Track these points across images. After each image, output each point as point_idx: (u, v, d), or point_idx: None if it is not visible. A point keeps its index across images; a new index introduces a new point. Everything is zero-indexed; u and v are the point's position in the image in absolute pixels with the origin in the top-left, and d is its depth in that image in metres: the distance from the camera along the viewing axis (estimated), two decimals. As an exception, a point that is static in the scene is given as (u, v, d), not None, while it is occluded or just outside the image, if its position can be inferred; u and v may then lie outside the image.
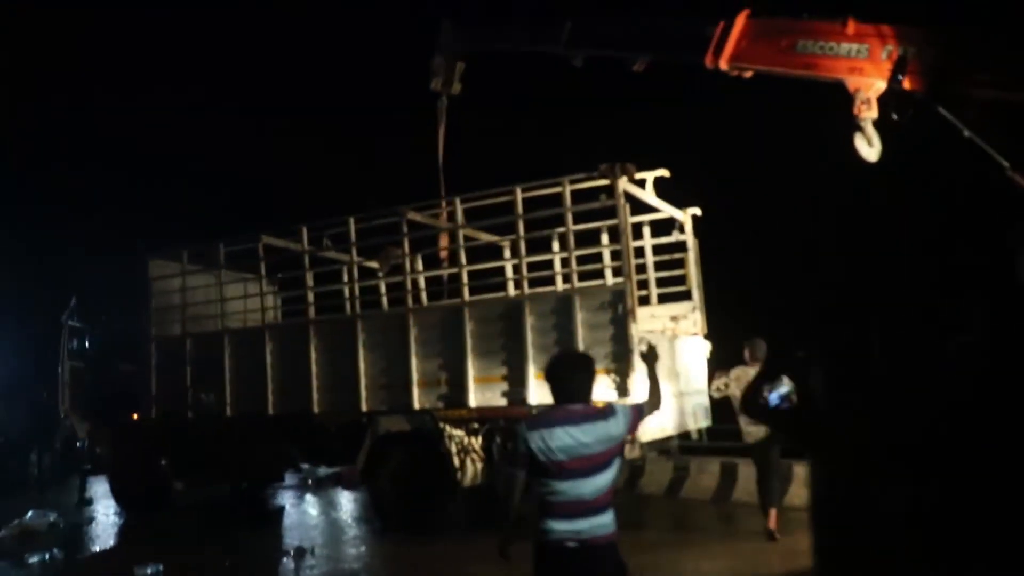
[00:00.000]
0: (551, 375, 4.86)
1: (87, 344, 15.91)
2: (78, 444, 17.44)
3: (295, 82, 33.60)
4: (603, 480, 4.48)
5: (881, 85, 8.50)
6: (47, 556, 10.52)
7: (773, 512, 9.61)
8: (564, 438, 4.47)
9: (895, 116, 8.39)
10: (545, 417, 4.68)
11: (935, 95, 8.26)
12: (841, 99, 8.80)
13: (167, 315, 13.82)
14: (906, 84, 8.23)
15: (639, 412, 4.83)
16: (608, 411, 4.63)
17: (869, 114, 8.68)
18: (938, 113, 8.18)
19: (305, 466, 14.43)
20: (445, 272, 11.93)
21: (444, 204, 11.93)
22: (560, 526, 4.43)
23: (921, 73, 8.23)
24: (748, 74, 9.54)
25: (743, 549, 9.45)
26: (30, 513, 12.62)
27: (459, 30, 11.57)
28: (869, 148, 8.79)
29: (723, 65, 9.36)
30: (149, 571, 9.13)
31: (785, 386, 4.39)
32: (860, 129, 8.78)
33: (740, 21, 9.24)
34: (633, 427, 4.74)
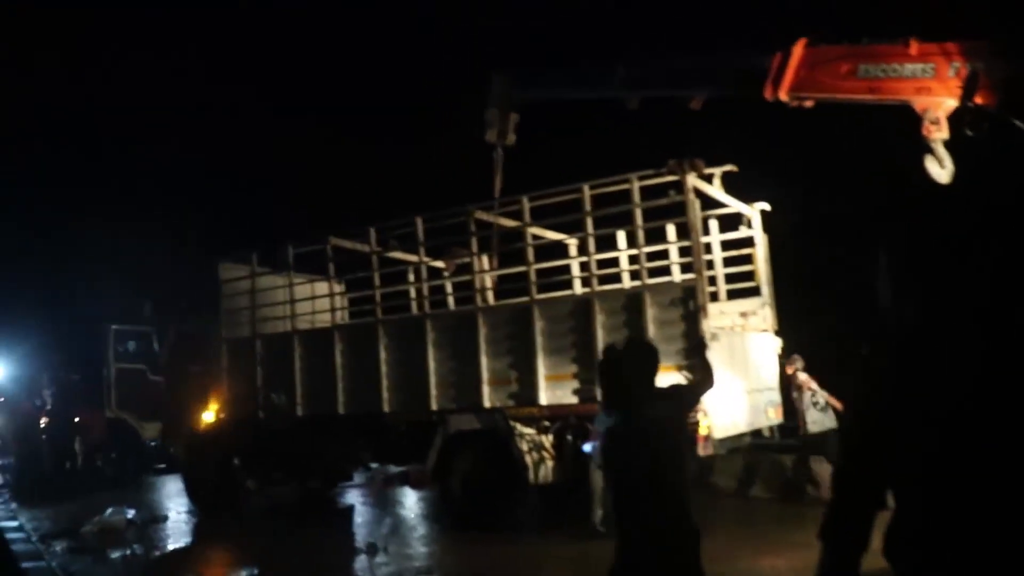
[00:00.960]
0: (611, 369, 5.19)
1: (157, 347, 16.24)
2: (152, 443, 17.89)
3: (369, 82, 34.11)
4: None
5: (951, 103, 8.35)
6: (128, 552, 10.78)
7: None
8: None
9: (969, 132, 8.22)
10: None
11: (1009, 108, 8.10)
12: (910, 119, 8.70)
13: (237, 317, 14.03)
14: (978, 99, 8.08)
15: (694, 392, 5.34)
16: (668, 393, 5.08)
17: (939, 135, 8.53)
18: (1014, 125, 8.02)
19: (374, 466, 14.56)
20: (506, 271, 12.02)
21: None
22: None
23: (992, 87, 8.07)
24: (809, 104, 9.46)
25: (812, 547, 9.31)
26: (109, 510, 12.93)
27: (510, 83, 11.58)
28: (940, 170, 8.64)
29: (783, 96, 9.27)
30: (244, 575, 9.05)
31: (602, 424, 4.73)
32: (930, 150, 8.65)
33: (798, 50, 9.15)
34: (689, 407, 5.38)
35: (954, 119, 8.43)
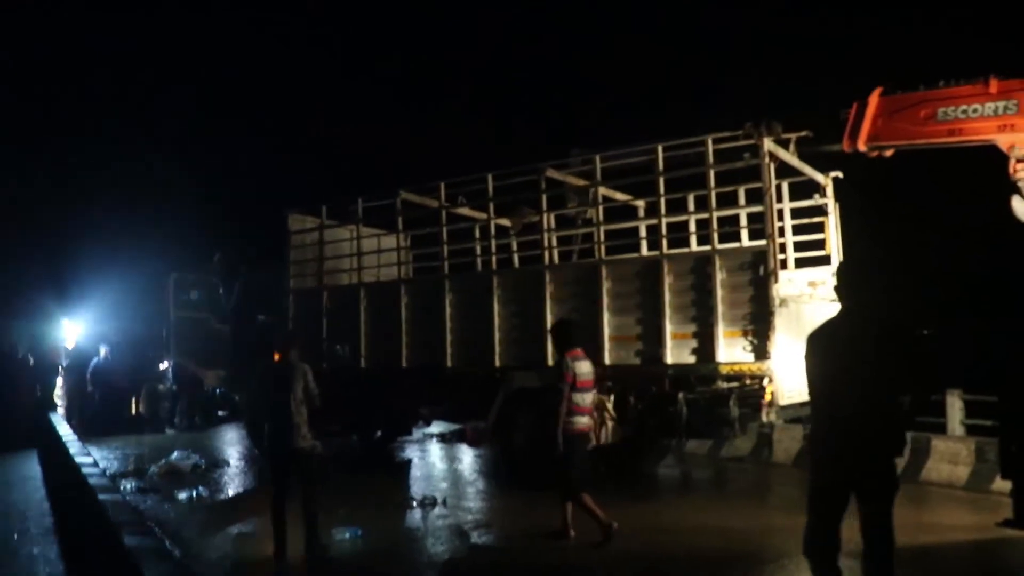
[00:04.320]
0: (570, 331, 8.34)
1: (225, 296, 16.51)
2: (217, 391, 18.24)
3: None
4: (592, 395, 8.25)
5: None
6: (194, 493, 11.04)
7: None
8: (584, 367, 8.03)
9: None
10: (575, 354, 8.06)
11: None
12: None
13: (304, 268, 14.22)
14: None
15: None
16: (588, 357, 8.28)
17: None
18: None
19: (432, 424, 14.77)
20: (575, 232, 12.04)
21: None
22: (580, 418, 8.06)
23: None
24: (889, 153, 9.47)
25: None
26: (175, 453, 13.25)
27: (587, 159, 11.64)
28: None
29: (861, 147, 9.39)
30: (347, 535, 8.71)
31: None
32: (1018, 190, 8.52)
33: (874, 100, 9.21)
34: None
35: None
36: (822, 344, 5.17)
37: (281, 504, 7.87)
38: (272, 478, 8.11)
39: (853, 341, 5.02)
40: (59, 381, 19.81)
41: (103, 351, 18.91)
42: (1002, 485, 7.95)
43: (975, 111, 8.67)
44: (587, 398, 8.12)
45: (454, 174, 12.67)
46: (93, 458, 10.52)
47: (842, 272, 5.25)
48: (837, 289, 5.19)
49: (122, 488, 11.34)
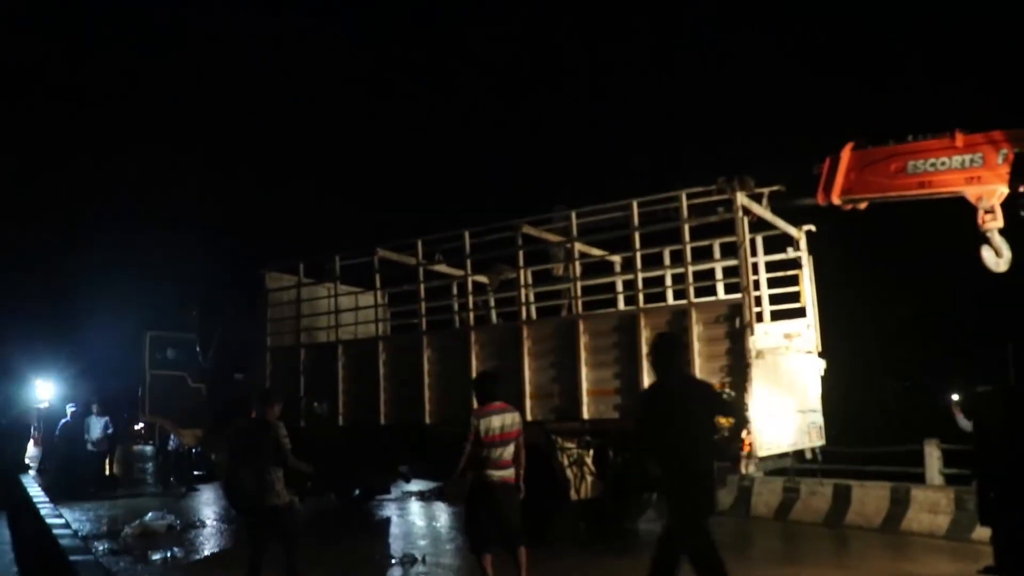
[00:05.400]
0: (484, 386, 8.21)
1: (202, 354, 16.40)
2: (193, 451, 18.04)
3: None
4: (511, 448, 7.80)
5: (1004, 190, 8.64)
6: (168, 555, 10.87)
7: None
8: (495, 422, 7.75)
9: None
10: (485, 410, 7.86)
11: None
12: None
13: (282, 325, 14.17)
14: None
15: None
16: (511, 409, 7.99)
17: (994, 224, 8.76)
18: None
19: (412, 482, 14.64)
20: (557, 287, 12.10)
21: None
22: (493, 472, 7.72)
23: None
24: (863, 206, 9.71)
25: (855, 569, 9.25)
26: (150, 514, 13.06)
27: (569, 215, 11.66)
28: (997, 259, 8.80)
29: (835, 200, 9.64)
30: None
31: None
32: (987, 240, 8.75)
33: (846, 154, 9.48)
34: (520, 431, 7.94)
35: (1008, 205, 8.59)
36: (649, 404, 6.41)
37: (258, 564, 7.75)
38: (248, 537, 8.03)
39: (675, 397, 6.17)
40: (31, 444, 19.55)
41: (70, 411, 18.70)
42: (982, 534, 7.98)
43: (943, 164, 8.91)
44: (498, 451, 7.69)
45: (432, 231, 12.75)
46: (65, 519, 10.35)
47: (655, 348, 6.49)
48: (652, 362, 6.39)
49: (95, 550, 11.15)
